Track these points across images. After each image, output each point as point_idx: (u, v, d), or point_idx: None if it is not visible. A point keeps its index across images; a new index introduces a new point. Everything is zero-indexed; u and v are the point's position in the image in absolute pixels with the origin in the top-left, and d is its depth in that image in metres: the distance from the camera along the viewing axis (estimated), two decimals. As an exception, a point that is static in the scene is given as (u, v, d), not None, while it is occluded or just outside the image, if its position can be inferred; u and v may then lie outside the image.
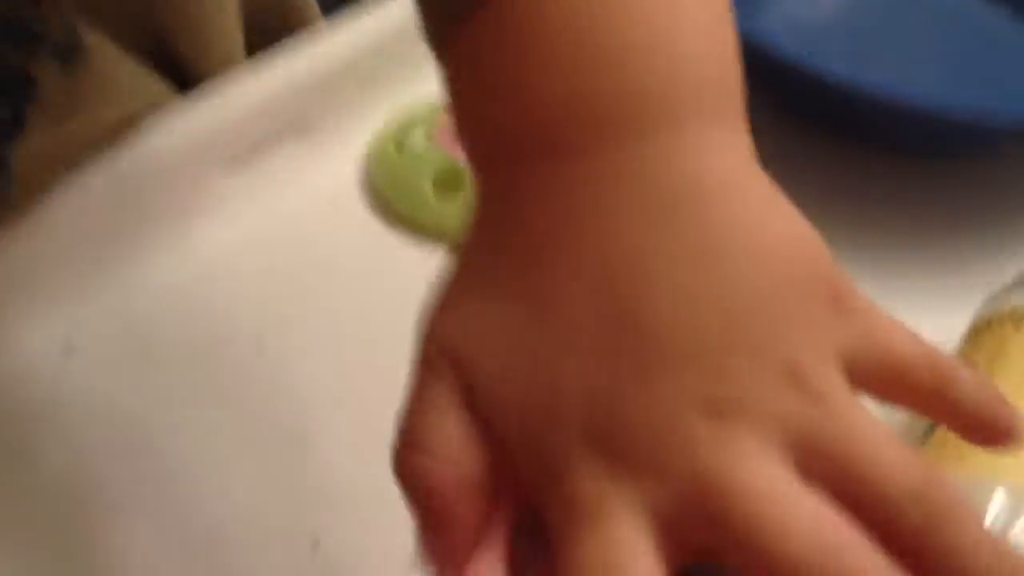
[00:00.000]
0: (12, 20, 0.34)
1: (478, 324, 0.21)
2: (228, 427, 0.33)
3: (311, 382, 0.35)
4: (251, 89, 0.40)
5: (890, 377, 0.20)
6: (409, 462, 0.20)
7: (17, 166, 0.36)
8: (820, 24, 0.46)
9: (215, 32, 0.43)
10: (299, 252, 0.39)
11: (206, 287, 0.37)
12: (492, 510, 0.20)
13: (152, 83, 0.41)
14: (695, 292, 0.19)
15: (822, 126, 0.42)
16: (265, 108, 0.40)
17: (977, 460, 0.28)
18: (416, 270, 0.36)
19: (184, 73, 0.42)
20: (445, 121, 0.41)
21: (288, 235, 0.39)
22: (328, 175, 0.41)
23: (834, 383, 0.19)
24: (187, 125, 0.38)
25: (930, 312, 0.27)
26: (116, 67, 0.39)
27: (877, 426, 0.19)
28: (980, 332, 0.33)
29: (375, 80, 0.43)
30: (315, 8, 0.50)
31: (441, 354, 0.21)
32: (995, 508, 0.27)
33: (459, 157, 0.41)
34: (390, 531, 0.30)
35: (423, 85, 0.43)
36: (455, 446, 0.20)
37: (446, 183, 0.40)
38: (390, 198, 0.41)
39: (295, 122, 0.41)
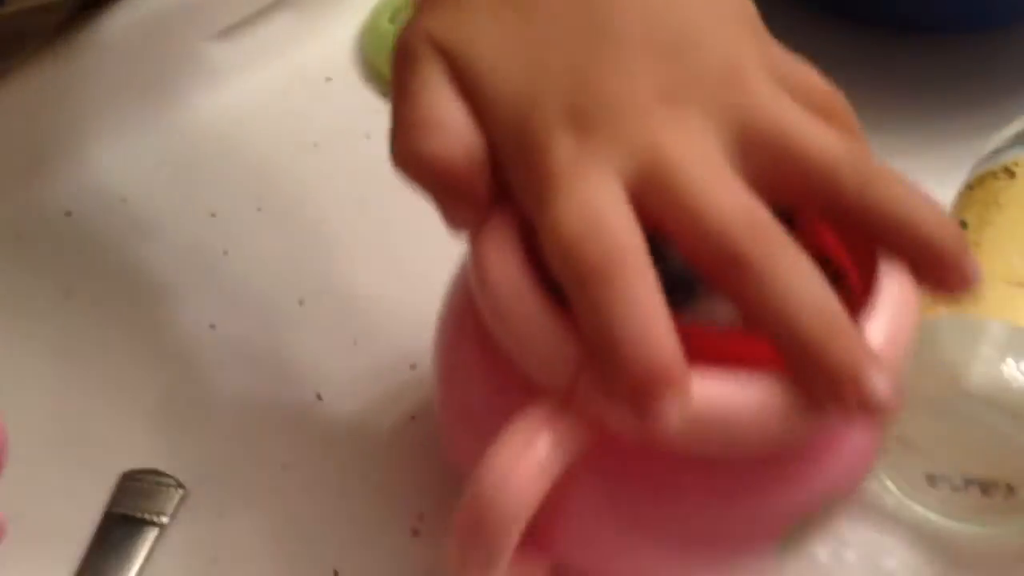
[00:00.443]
0: None
1: (466, 22, 0.22)
2: (219, 284, 0.34)
3: (308, 244, 0.35)
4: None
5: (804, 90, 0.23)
6: (414, 143, 0.21)
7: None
8: None
9: None
10: (293, 121, 0.39)
11: (200, 154, 0.37)
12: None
13: None
14: (656, 5, 0.22)
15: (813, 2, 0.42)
16: None
17: (974, 299, 0.29)
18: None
19: None
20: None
21: (282, 104, 0.39)
22: (323, 47, 0.41)
23: (765, 83, 0.22)
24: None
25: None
26: None
27: (804, 114, 0.22)
28: (972, 188, 0.34)
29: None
30: None
31: (430, 44, 0.22)
32: (991, 340, 0.28)
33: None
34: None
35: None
36: (457, 118, 0.21)
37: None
38: (383, 70, 0.40)
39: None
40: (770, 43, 0.23)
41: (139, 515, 0.28)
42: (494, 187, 0.22)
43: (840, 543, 0.30)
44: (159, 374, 0.31)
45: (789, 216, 0.22)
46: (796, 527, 0.24)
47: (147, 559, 0.27)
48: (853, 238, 0.24)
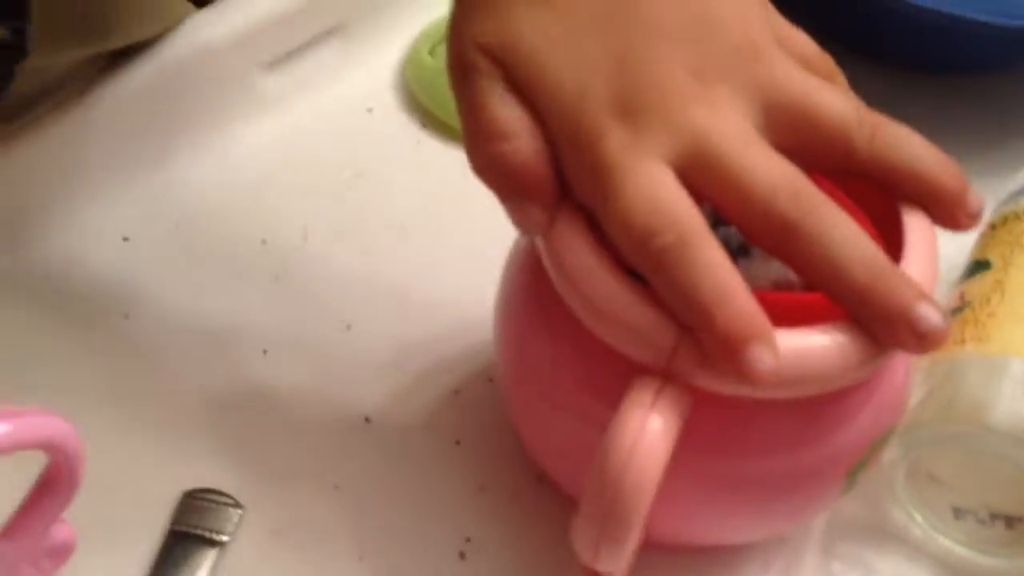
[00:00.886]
0: None
1: (507, 23, 0.24)
2: (271, 310, 0.35)
3: (354, 270, 0.37)
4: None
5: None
6: (488, 151, 0.23)
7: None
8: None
9: None
10: (336, 149, 0.40)
11: (248, 181, 0.39)
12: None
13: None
14: None
15: (836, 38, 0.43)
16: (305, 11, 0.41)
17: (998, 338, 0.30)
18: (446, 166, 0.39)
19: None
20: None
21: (326, 134, 0.41)
22: (365, 78, 0.42)
23: (778, 54, 0.24)
24: (229, 25, 0.39)
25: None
26: None
27: (815, 79, 0.25)
28: (996, 228, 0.35)
29: None
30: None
31: (483, 54, 0.24)
32: (1014, 377, 0.29)
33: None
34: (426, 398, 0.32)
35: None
36: (523, 124, 0.23)
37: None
38: (423, 101, 0.42)
39: (334, 27, 0.42)
40: (772, 11, 0.26)
41: (200, 533, 0.29)
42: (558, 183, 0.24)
43: (869, 571, 0.31)
44: (216, 396, 0.33)
45: None
46: (859, 462, 0.27)
47: (207, 576, 0.28)
48: (865, 201, 0.26)
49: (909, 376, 0.28)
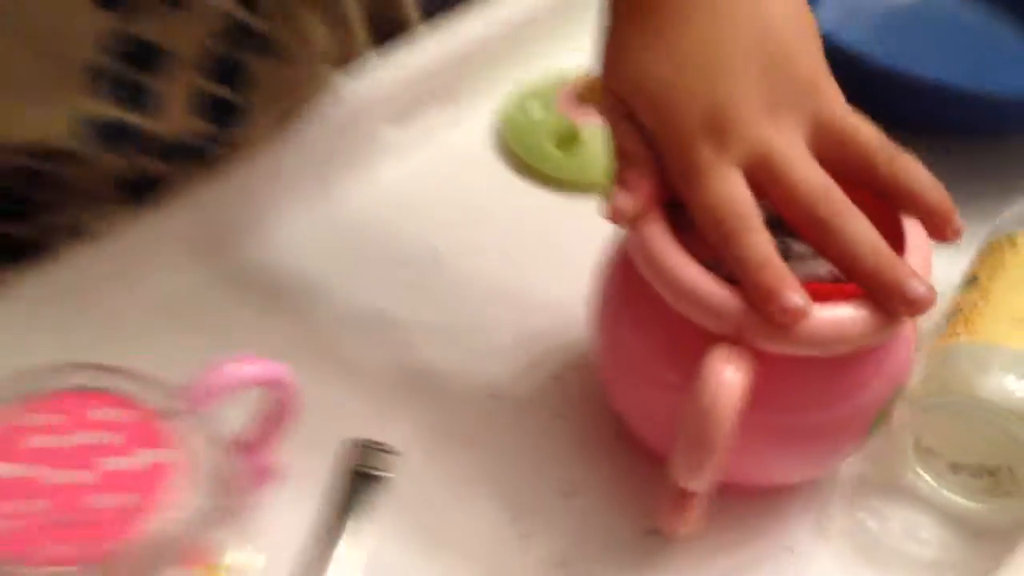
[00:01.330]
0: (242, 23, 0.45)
1: (627, 64, 0.34)
2: (418, 308, 0.44)
3: (470, 279, 0.45)
4: (408, 62, 0.51)
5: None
6: (617, 172, 0.34)
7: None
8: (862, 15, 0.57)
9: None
10: (450, 188, 0.49)
11: (388, 209, 0.48)
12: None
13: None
14: (758, 28, 0.34)
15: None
16: (419, 80, 0.50)
17: (983, 331, 0.39)
18: (533, 203, 0.48)
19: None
20: (563, 91, 0.52)
21: (442, 175, 0.50)
22: (469, 130, 0.52)
23: (831, 88, 0.34)
24: (365, 91, 0.49)
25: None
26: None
27: (859, 117, 0.34)
28: (984, 254, 0.44)
29: (505, 59, 0.53)
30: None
31: (612, 97, 0.34)
32: (995, 359, 0.38)
33: (575, 120, 0.51)
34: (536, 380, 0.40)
35: (541, 64, 0.54)
36: (640, 148, 0.34)
37: (564, 141, 0.51)
38: (518, 152, 0.51)
39: (443, 90, 0.51)
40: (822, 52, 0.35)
41: (369, 471, 0.37)
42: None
43: (884, 519, 0.39)
44: (376, 370, 0.41)
45: None
46: (881, 412, 0.35)
47: (374, 507, 0.37)
48: (883, 213, 0.34)
49: (913, 348, 0.36)
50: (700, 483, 0.33)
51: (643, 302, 0.34)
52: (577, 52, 0.46)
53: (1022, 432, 0.37)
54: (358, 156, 0.49)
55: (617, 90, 0.35)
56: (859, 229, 0.32)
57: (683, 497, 0.35)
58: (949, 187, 0.35)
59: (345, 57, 0.50)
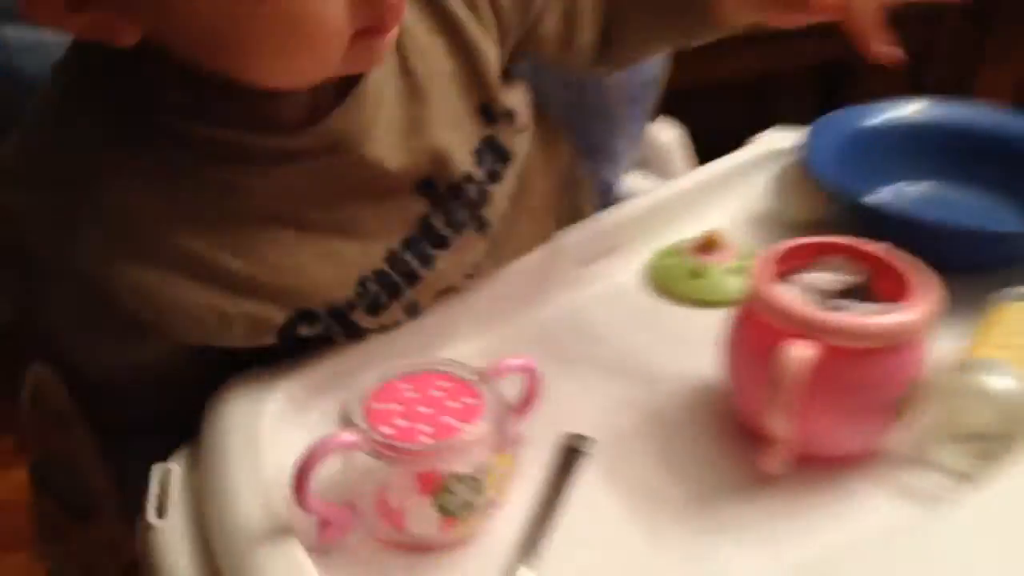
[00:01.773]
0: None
1: None
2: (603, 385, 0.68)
3: (648, 360, 0.70)
4: (590, 229, 0.78)
5: None
6: None
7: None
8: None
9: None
10: (616, 316, 0.74)
11: (566, 338, 0.73)
12: None
13: None
14: None
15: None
16: (595, 239, 0.77)
17: (977, 352, 0.60)
18: (684, 324, 0.72)
19: None
20: (688, 245, 0.78)
21: (608, 308, 0.75)
22: (630, 272, 0.78)
23: None
24: (569, 242, 0.76)
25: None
26: None
27: None
28: (987, 315, 0.65)
29: (651, 227, 0.80)
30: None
31: None
32: (999, 374, 0.58)
33: (701, 260, 0.76)
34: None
35: (676, 234, 0.80)
36: None
37: (694, 275, 0.76)
38: (664, 287, 0.76)
39: (614, 247, 0.78)
40: None
41: (575, 445, 0.60)
42: None
43: (923, 478, 0.59)
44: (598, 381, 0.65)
45: (865, 282, 0.57)
46: (903, 397, 0.56)
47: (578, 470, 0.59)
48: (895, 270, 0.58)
49: (924, 352, 0.58)
50: (783, 430, 0.55)
51: (752, 334, 0.58)
52: (692, 225, 0.73)
53: (998, 410, 0.57)
54: (543, 295, 0.75)
55: None
56: None
57: (775, 443, 0.56)
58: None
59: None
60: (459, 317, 0.70)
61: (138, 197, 0.56)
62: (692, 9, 0.70)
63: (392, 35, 0.57)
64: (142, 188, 0.56)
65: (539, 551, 0.54)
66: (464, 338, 0.69)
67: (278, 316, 0.61)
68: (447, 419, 0.53)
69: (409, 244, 0.65)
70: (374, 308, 0.65)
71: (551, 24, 0.72)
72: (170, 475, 0.58)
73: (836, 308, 0.58)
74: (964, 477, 0.58)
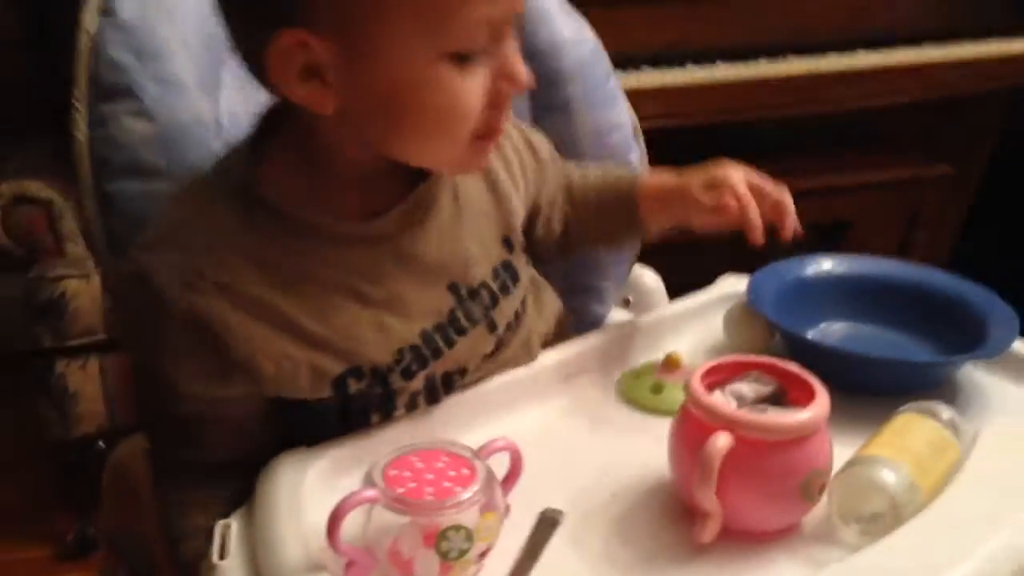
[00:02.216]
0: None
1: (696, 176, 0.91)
2: (575, 476, 0.84)
3: (608, 460, 0.85)
4: (571, 352, 0.95)
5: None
6: None
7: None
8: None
9: None
10: (589, 419, 0.91)
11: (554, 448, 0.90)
12: None
13: None
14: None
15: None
16: (580, 355, 0.94)
17: (869, 451, 0.76)
18: (640, 424, 0.88)
19: None
20: (656, 365, 0.95)
21: (583, 413, 0.92)
22: (601, 389, 0.94)
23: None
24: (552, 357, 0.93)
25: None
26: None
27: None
28: (883, 423, 0.81)
29: (624, 351, 0.97)
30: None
31: None
32: (888, 473, 0.74)
33: (662, 378, 0.93)
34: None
35: (642, 358, 0.97)
36: None
37: (655, 390, 0.92)
38: (630, 397, 0.93)
39: (589, 367, 0.95)
40: None
41: (551, 515, 0.76)
42: None
43: (831, 551, 0.74)
44: (562, 487, 0.81)
45: (781, 393, 0.74)
46: (805, 482, 0.71)
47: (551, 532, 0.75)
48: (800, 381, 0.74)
49: (829, 442, 0.74)
50: (710, 503, 0.70)
51: (688, 429, 0.74)
52: (658, 350, 0.90)
53: (888, 497, 0.73)
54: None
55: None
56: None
57: (704, 516, 0.72)
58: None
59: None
60: (463, 412, 0.87)
61: (244, 261, 0.74)
62: (626, 219, 0.96)
63: (496, 143, 0.78)
64: (247, 254, 0.74)
65: (517, 594, 0.70)
66: (467, 429, 0.85)
67: (334, 369, 0.78)
68: (447, 484, 0.69)
69: (438, 328, 0.83)
70: (407, 373, 0.82)
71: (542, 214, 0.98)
72: (229, 528, 0.74)
73: (755, 411, 0.74)
74: (857, 549, 0.73)
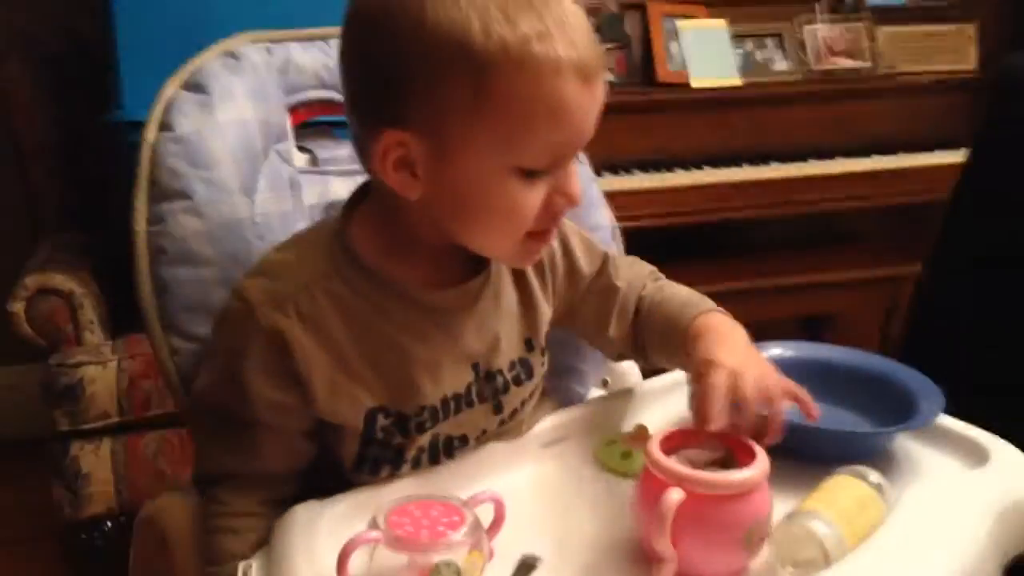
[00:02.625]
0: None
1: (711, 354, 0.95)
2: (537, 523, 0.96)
3: (581, 518, 0.97)
4: (555, 422, 1.08)
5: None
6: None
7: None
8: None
9: None
10: (566, 479, 1.03)
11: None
12: None
13: None
14: (741, 348, 0.95)
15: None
16: (560, 426, 1.07)
17: (806, 506, 0.88)
18: (613, 490, 1.01)
19: None
20: (625, 436, 1.07)
21: (562, 474, 1.03)
22: (577, 456, 1.06)
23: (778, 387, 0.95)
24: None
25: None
26: None
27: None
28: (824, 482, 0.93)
29: (600, 423, 1.09)
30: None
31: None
32: (820, 524, 0.86)
33: (631, 447, 1.05)
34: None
35: (615, 429, 1.10)
36: None
37: (625, 456, 1.04)
38: (603, 462, 1.05)
39: (571, 433, 1.07)
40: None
41: (528, 560, 0.87)
42: None
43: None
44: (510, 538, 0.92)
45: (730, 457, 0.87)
46: (748, 533, 0.83)
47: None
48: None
49: (770, 499, 0.86)
50: (666, 550, 0.82)
51: (647, 487, 0.86)
52: (629, 423, 1.03)
53: (818, 544, 0.84)
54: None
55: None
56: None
57: (659, 562, 0.83)
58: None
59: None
60: (459, 472, 0.99)
61: (328, 300, 0.90)
62: (676, 348, 1.03)
63: (551, 243, 0.97)
64: (332, 296, 0.91)
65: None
66: (461, 486, 0.97)
67: (369, 403, 0.93)
68: (440, 528, 0.81)
69: (455, 397, 0.97)
70: (420, 428, 0.95)
71: (588, 312, 1.10)
72: (251, 567, 0.86)
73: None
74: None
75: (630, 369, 1.34)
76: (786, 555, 0.86)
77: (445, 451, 0.99)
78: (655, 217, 2.53)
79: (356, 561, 0.79)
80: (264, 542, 0.90)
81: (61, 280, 2.09)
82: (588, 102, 0.85)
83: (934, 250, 1.60)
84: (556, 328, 1.10)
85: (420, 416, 0.95)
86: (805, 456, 0.98)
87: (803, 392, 0.94)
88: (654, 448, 0.87)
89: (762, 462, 0.86)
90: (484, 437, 1.02)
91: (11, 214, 2.59)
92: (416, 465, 0.98)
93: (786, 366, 1.11)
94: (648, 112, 2.62)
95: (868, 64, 2.86)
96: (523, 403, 1.05)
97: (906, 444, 1.05)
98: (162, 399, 2.02)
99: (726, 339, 0.96)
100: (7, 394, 2.70)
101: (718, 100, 2.69)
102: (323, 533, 0.87)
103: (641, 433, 1.06)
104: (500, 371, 1.01)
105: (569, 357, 1.25)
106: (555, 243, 1.06)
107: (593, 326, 1.10)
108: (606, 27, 2.65)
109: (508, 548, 0.88)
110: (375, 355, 0.92)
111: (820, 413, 0.96)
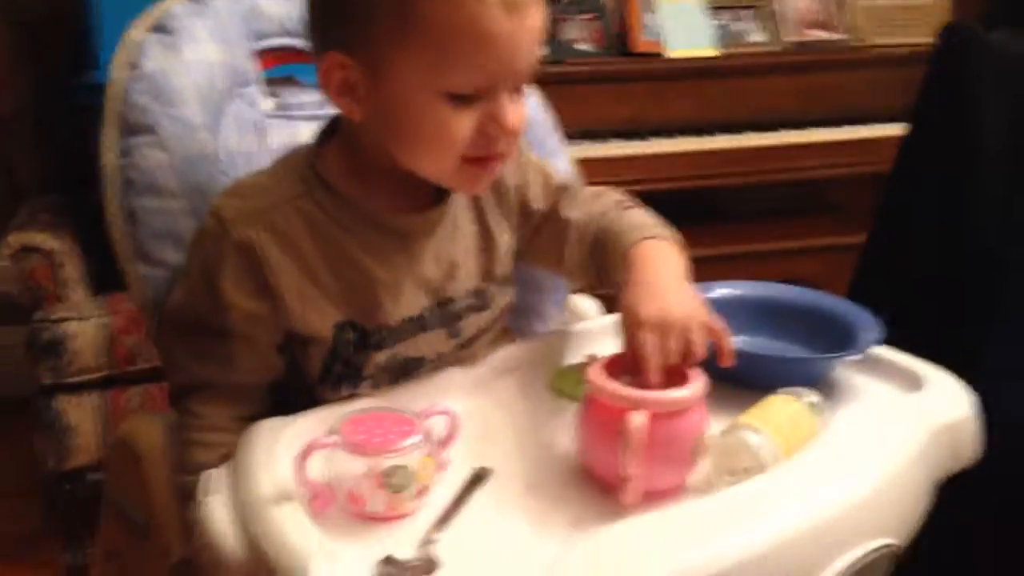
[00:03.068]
0: None
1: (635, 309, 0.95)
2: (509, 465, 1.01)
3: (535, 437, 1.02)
4: (512, 352, 1.13)
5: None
6: None
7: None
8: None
9: None
10: (523, 403, 1.08)
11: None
12: None
13: None
14: (673, 291, 0.95)
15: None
16: (514, 360, 1.12)
17: (749, 418, 0.93)
18: (562, 409, 1.06)
19: None
20: (581, 368, 1.12)
21: (519, 399, 1.08)
22: (532, 383, 1.11)
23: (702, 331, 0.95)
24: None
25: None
26: None
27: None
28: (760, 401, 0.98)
29: (556, 354, 1.14)
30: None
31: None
32: (752, 432, 0.91)
33: (584, 375, 1.10)
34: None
35: (570, 358, 1.15)
36: None
37: (577, 382, 1.09)
38: (557, 387, 1.10)
39: (529, 363, 1.12)
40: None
41: (481, 475, 0.92)
42: None
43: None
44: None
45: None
46: (695, 445, 0.89)
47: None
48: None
49: (707, 410, 0.91)
50: (635, 471, 0.87)
51: (596, 413, 0.91)
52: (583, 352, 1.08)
53: (752, 455, 0.90)
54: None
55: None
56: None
57: (626, 481, 0.88)
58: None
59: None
60: (416, 393, 1.03)
61: (300, 219, 0.96)
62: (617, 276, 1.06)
63: (496, 171, 0.98)
64: (304, 216, 0.96)
65: (447, 526, 0.86)
66: (418, 406, 1.01)
67: (337, 316, 0.99)
68: (392, 436, 0.86)
69: (411, 320, 1.03)
70: (379, 345, 1.01)
71: (543, 244, 1.14)
72: (211, 477, 0.91)
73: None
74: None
75: (590, 307, 1.39)
76: (722, 465, 0.91)
77: (403, 371, 1.04)
78: (631, 184, 2.54)
79: (315, 466, 0.84)
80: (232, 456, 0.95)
81: (43, 239, 2.13)
82: (514, 31, 0.88)
83: (878, 208, 1.68)
84: (519, 264, 1.15)
85: (380, 334, 1.01)
86: (746, 382, 1.02)
87: (726, 337, 0.96)
88: (602, 376, 0.92)
89: (701, 378, 0.91)
90: (440, 360, 1.07)
91: (-10, 179, 2.63)
92: (376, 386, 1.03)
93: (732, 305, 1.17)
94: (624, 81, 2.66)
95: (843, 36, 2.90)
96: (481, 332, 1.10)
97: (846, 373, 1.10)
98: (146, 354, 2.07)
99: (654, 277, 0.97)
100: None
101: (694, 70, 2.73)
102: (284, 446, 0.92)
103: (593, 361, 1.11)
104: (456, 299, 1.06)
105: (530, 295, 1.30)
106: (516, 175, 1.11)
107: (551, 257, 1.14)
108: (582, -3, 2.69)
109: (462, 461, 0.93)
110: (341, 272, 0.98)
111: (734, 360, 0.98)
